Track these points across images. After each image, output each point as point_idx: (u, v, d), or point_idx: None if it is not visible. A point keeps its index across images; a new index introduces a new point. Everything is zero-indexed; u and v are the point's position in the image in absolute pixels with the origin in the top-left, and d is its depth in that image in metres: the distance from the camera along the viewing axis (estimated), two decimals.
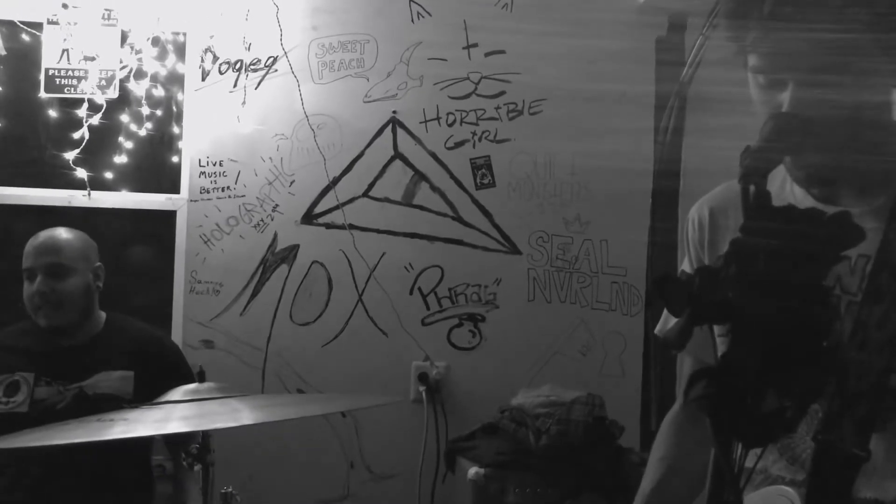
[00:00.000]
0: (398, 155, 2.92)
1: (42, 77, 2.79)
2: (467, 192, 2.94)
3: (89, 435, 1.34)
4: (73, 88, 2.79)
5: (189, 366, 2.28)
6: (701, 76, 2.75)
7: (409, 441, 2.85)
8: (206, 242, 2.86)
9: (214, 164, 2.87)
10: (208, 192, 2.87)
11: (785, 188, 1.10)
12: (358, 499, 2.86)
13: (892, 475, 0.97)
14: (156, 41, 2.82)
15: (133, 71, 2.80)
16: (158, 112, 2.84)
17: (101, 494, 2.09)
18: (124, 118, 2.81)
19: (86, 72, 2.79)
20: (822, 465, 0.87)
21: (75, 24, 2.77)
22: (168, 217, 2.86)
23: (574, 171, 2.96)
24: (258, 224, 2.88)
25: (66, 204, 2.81)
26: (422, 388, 2.86)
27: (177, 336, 2.82)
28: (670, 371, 2.91)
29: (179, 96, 2.86)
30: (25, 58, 2.81)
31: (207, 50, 2.86)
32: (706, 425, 0.75)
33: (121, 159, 2.82)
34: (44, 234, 2.19)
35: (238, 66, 2.88)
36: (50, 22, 2.79)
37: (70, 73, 2.79)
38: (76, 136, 2.77)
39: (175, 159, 2.88)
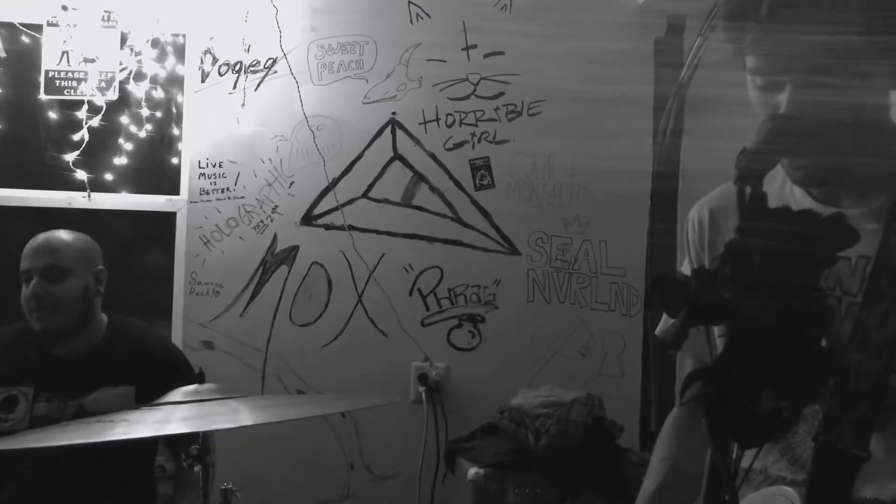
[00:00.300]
0: (397, 156, 2.93)
1: (42, 79, 2.79)
2: (466, 192, 2.95)
3: (89, 436, 1.34)
4: (72, 90, 2.79)
5: (192, 371, 2.26)
6: (700, 77, 2.75)
7: (408, 441, 2.86)
8: (205, 244, 2.86)
9: (214, 166, 2.87)
10: (208, 193, 2.87)
11: (785, 189, 1.10)
12: (358, 499, 2.86)
13: (892, 475, 0.97)
14: (155, 43, 2.82)
15: (133, 73, 2.81)
16: (158, 114, 2.84)
17: (102, 497, 2.07)
18: (124, 120, 2.82)
19: (85, 73, 2.79)
20: (822, 466, 0.87)
21: (75, 25, 2.78)
22: (168, 218, 2.87)
23: (573, 172, 2.97)
24: (258, 225, 2.88)
25: (65, 205, 2.81)
26: (421, 389, 2.86)
27: (177, 337, 2.82)
28: (670, 371, 2.91)
29: (179, 98, 2.87)
30: (25, 60, 2.81)
31: (207, 52, 2.87)
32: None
33: (120, 161, 2.83)
34: (42, 236, 2.12)
35: (237, 67, 2.88)
36: (50, 24, 2.79)
37: (70, 74, 2.79)
38: (76, 137, 2.77)
39: (175, 161, 2.88)
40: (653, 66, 2.97)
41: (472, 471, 2.35)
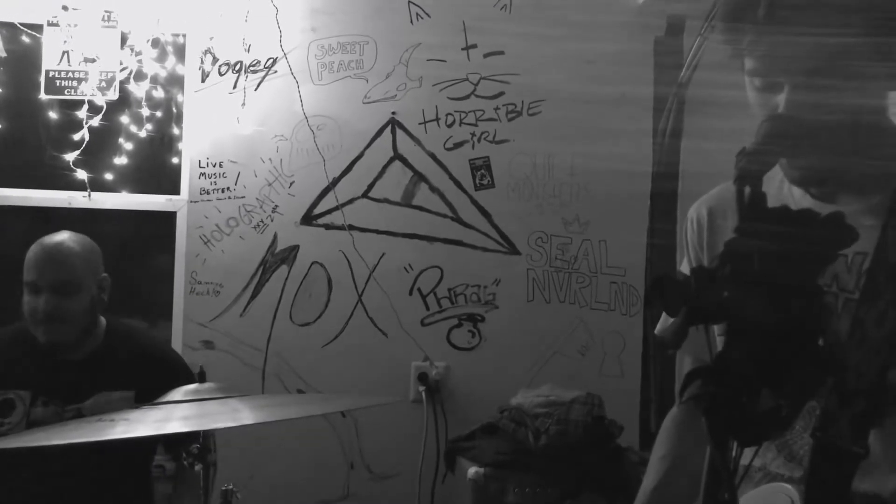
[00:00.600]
0: (397, 156, 2.93)
1: (42, 79, 2.79)
2: (466, 192, 2.95)
3: (89, 435, 1.34)
4: (73, 90, 2.80)
5: (191, 375, 2.24)
6: (699, 78, 2.76)
7: (408, 441, 2.86)
8: (206, 243, 2.87)
9: (214, 166, 2.87)
10: (208, 193, 2.87)
11: (783, 189, 1.11)
12: (358, 499, 2.87)
13: (890, 470, 0.98)
14: (156, 43, 2.82)
15: (133, 72, 2.81)
16: (158, 113, 2.84)
17: (98, 497, 2.05)
18: (124, 119, 2.82)
19: (86, 73, 2.79)
20: (820, 462, 0.88)
21: (75, 25, 2.78)
22: (168, 218, 2.87)
23: (573, 172, 2.97)
24: (258, 225, 2.88)
25: (65, 205, 2.82)
26: (421, 389, 2.87)
27: (177, 336, 2.83)
28: (669, 371, 2.92)
29: (179, 98, 2.87)
30: (26, 59, 2.81)
31: (207, 51, 2.87)
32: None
33: (121, 160, 2.83)
34: (49, 245, 2.02)
35: (238, 67, 2.88)
36: (50, 24, 2.79)
37: (70, 74, 2.80)
38: (76, 137, 2.78)
39: (175, 160, 2.88)
40: (652, 66, 2.97)
41: (472, 470, 2.35)
